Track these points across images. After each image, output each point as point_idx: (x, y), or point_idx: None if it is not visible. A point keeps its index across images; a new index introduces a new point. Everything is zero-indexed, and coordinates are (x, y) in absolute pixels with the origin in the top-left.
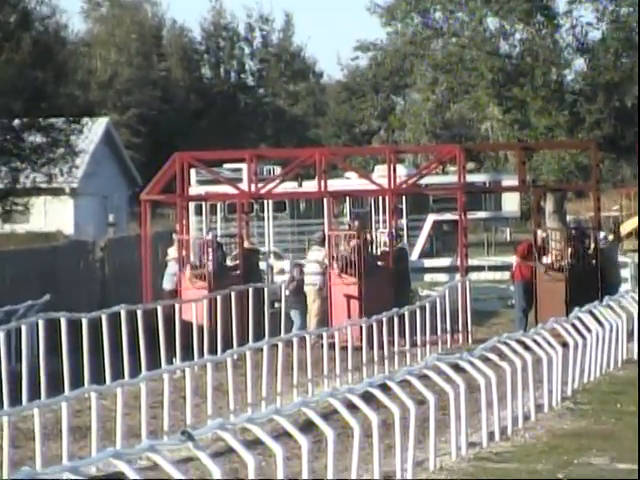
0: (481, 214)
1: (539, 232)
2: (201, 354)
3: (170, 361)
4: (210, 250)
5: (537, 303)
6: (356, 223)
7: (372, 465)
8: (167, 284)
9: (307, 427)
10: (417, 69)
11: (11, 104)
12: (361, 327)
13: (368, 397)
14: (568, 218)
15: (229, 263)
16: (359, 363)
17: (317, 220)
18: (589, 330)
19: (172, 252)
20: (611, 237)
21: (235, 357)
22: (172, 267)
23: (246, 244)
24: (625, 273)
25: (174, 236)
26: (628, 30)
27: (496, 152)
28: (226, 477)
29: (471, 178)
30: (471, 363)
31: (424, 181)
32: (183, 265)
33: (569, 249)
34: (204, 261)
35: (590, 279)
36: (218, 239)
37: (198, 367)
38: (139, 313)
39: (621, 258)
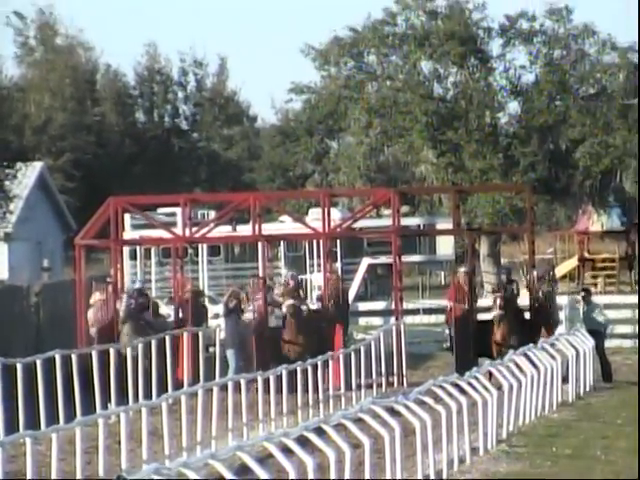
0: (416, 257)
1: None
2: (136, 399)
3: (105, 406)
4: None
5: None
6: (291, 283)
7: None
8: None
9: (242, 471)
10: (351, 112)
11: None
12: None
13: (303, 441)
14: (502, 261)
15: (162, 307)
16: (294, 407)
17: (251, 264)
18: (524, 373)
19: (96, 296)
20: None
21: (170, 401)
22: (91, 312)
23: (189, 286)
24: (561, 315)
25: (108, 279)
26: (561, 73)
27: (430, 195)
28: None
29: (405, 221)
30: (406, 406)
31: (358, 224)
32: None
33: (498, 294)
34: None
35: (520, 322)
36: (139, 288)
37: (133, 412)
38: (74, 358)
39: (558, 300)
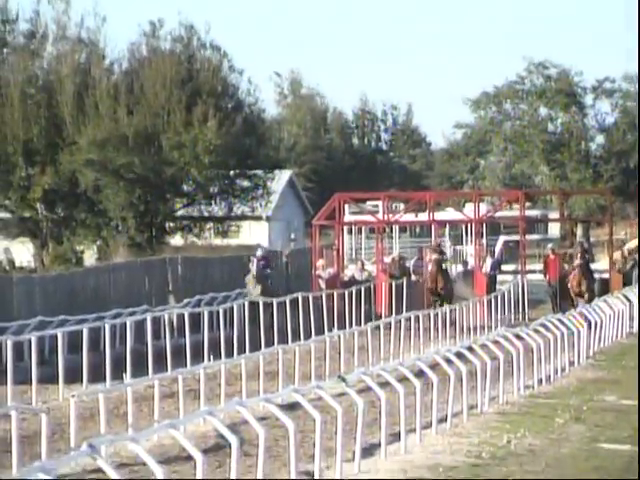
0: (534, 236)
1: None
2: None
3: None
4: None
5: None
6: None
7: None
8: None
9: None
10: (493, 141)
11: (228, 160)
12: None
13: (460, 355)
14: (592, 240)
15: (368, 265)
16: (454, 333)
17: (427, 239)
18: (605, 313)
19: (321, 261)
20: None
21: (374, 326)
22: (320, 270)
23: (434, 254)
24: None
25: (333, 247)
26: (632, 117)
27: (545, 195)
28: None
29: (528, 212)
30: (527, 334)
31: (498, 214)
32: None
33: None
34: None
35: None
36: (263, 255)
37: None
38: (310, 298)
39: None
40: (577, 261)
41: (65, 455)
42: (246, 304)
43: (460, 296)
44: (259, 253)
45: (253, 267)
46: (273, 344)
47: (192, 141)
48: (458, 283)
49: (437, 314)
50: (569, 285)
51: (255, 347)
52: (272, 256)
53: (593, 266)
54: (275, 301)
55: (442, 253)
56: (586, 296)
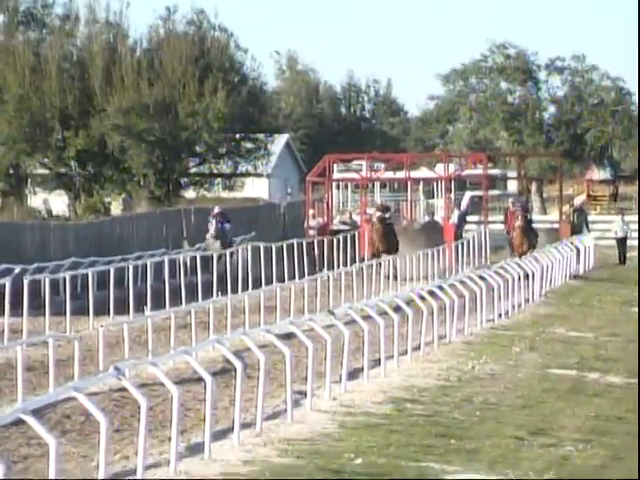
0: (495, 192)
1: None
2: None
3: (320, 270)
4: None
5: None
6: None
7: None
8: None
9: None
10: (461, 110)
11: (234, 126)
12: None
13: (432, 293)
14: (544, 196)
15: (354, 216)
16: (427, 273)
17: (404, 193)
18: (555, 257)
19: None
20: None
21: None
22: (311, 220)
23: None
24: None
25: (323, 200)
26: (579, 91)
27: (504, 157)
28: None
29: (490, 172)
30: (489, 275)
31: (464, 173)
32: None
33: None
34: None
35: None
36: (220, 211)
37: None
38: (303, 243)
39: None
40: (518, 222)
41: (94, 376)
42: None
43: (425, 243)
44: (216, 210)
45: (212, 227)
46: (272, 283)
47: (204, 109)
48: (424, 231)
49: (412, 258)
50: (511, 244)
51: (256, 285)
52: (228, 212)
53: (545, 217)
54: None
55: (387, 210)
56: (529, 254)
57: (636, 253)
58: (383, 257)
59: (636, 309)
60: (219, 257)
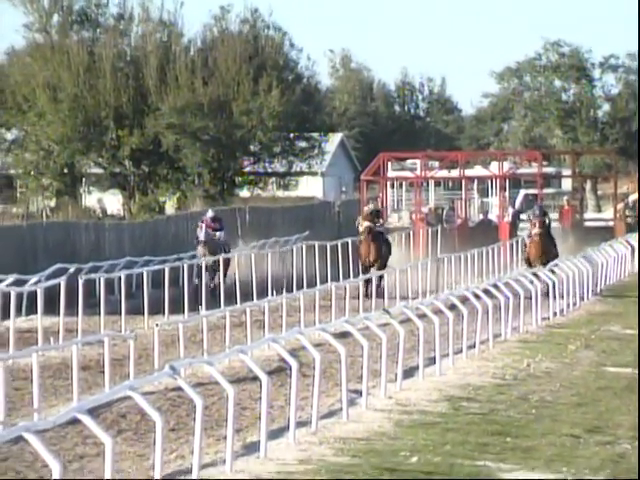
0: (550, 190)
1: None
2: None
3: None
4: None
5: None
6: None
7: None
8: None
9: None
10: (515, 108)
11: (289, 124)
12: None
13: (487, 291)
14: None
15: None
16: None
17: (459, 192)
18: (610, 256)
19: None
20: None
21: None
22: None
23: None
24: None
25: (377, 200)
26: (633, 88)
27: (559, 155)
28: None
29: (545, 169)
30: (544, 273)
31: (519, 171)
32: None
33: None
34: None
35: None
36: (213, 215)
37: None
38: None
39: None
40: (535, 229)
41: (150, 375)
42: (297, 247)
43: (479, 242)
44: (209, 214)
45: (201, 233)
46: (327, 282)
47: (258, 108)
48: (478, 229)
49: (467, 256)
50: (527, 253)
51: (310, 284)
52: (222, 217)
53: (600, 215)
54: (328, 245)
55: (377, 217)
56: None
57: None
58: (372, 271)
59: None
60: (211, 266)
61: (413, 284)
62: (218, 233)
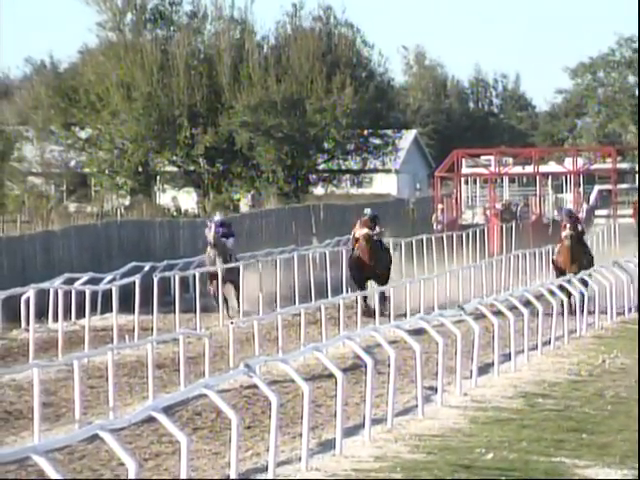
0: (624, 185)
1: None
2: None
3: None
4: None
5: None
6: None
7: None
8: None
9: None
10: (589, 104)
11: (362, 122)
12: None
13: (562, 287)
14: None
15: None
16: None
17: (533, 188)
18: None
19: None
20: None
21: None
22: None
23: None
24: None
25: (452, 195)
26: None
27: (633, 151)
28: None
29: (619, 165)
30: (619, 269)
31: (593, 167)
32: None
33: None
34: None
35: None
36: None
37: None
38: (432, 238)
39: None
40: (566, 232)
41: (225, 373)
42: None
43: (554, 238)
44: (216, 218)
45: (210, 233)
46: (401, 278)
47: (332, 105)
48: (553, 225)
49: (541, 252)
50: (555, 259)
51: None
52: (231, 222)
53: None
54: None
55: (374, 223)
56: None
57: None
58: (369, 283)
59: None
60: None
61: (487, 282)
62: (229, 241)
